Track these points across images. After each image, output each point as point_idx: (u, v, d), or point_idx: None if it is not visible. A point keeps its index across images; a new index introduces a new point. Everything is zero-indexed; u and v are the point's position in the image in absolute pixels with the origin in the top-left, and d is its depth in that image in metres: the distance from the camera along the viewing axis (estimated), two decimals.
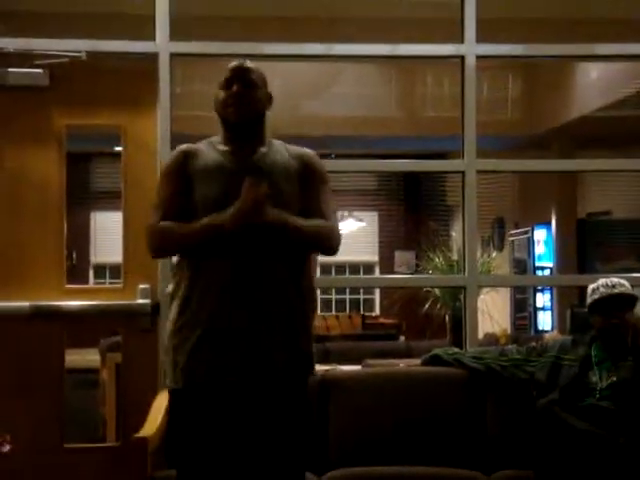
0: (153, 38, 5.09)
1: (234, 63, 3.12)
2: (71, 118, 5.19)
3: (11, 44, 5.13)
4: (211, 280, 2.94)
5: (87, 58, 5.11)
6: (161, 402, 4.42)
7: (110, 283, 11.23)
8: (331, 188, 3.22)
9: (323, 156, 9.15)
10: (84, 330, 5.04)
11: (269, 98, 3.14)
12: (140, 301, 5.07)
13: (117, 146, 5.47)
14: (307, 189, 3.03)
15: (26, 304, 4.76)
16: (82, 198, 10.70)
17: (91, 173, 11.64)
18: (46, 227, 4.99)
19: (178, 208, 2.98)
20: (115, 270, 8.58)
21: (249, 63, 3.16)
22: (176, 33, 5.13)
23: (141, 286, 5.06)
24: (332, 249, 3.08)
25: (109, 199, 9.51)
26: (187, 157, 3.05)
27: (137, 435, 4.08)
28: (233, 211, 2.89)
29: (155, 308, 4.98)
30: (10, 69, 5.06)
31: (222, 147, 3.05)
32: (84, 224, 11.61)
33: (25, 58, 5.13)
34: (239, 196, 2.86)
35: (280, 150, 3.09)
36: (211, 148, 3.09)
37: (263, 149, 3.05)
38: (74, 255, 10.23)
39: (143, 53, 5.17)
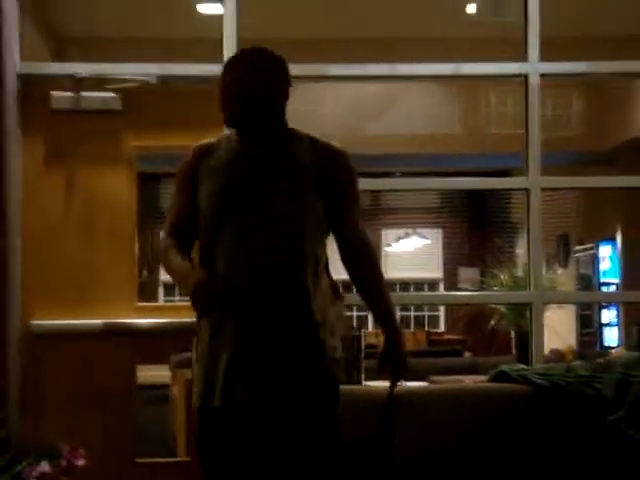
0: (221, 61, 5.02)
1: (237, 56, 2.95)
2: (142, 140, 5.19)
3: (84, 69, 5.10)
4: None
5: (157, 82, 5.13)
6: None
7: (179, 300, 11.41)
8: (358, 186, 2.99)
9: (388, 174, 9.17)
10: (155, 347, 5.08)
11: (279, 85, 2.86)
12: None
13: None
14: (336, 190, 2.84)
15: (99, 322, 4.83)
16: (152, 217, 10.88)
17: (161, 193, 11.77)
18: (118, 246, 5.04)
19: (185, 215, 2.91)
20: None
21: (250, 49, 2.90)
22: None
23: None
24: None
25: None
26: (199, 156, 2.89)
27: None
28: (188, 284, 2.77)
29: None
30: (84, 93, 5.06)
31: (234, 144, 2.85)
32: (154, 242, 11.81)
33: (98, 82, 5.14)
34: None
35: (302, 143, 2.85)
36: (226, 144, 2.90)
37: (278, 142, 2.85)
38: (144, 273, 10.37)
39: (212, 76, 5.06)
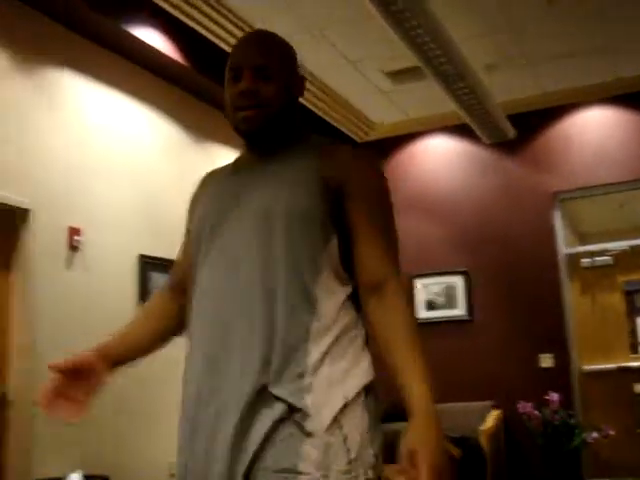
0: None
1: (240, 41, 1.62)
2: (626, 277, 6.34)
3: (593, 247, 6.25)
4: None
5: (629, 249, 6.02)
6: None
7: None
8: (386, 194, 1.54)
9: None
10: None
11: (296, 84, 1.61)
12: None
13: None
14: (344, 200, 1.47)
15: (613, 366, 5.85)
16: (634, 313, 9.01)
17: (635, 299, 9.24)
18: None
19: (186, 248, 1.68)
20: None
21: (259, 36, 1.63)
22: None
23: None
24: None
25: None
26: (201, 186, 1.72)
27: None
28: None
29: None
30: (595, 258, 6.10)
31: (239, 161, 1.67)
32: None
33: (605, 251, 6.06)
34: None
35: (308, 150, 1.55)
36: (231, 164, 1.70)
37: (279, 154, 1.56)
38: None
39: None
